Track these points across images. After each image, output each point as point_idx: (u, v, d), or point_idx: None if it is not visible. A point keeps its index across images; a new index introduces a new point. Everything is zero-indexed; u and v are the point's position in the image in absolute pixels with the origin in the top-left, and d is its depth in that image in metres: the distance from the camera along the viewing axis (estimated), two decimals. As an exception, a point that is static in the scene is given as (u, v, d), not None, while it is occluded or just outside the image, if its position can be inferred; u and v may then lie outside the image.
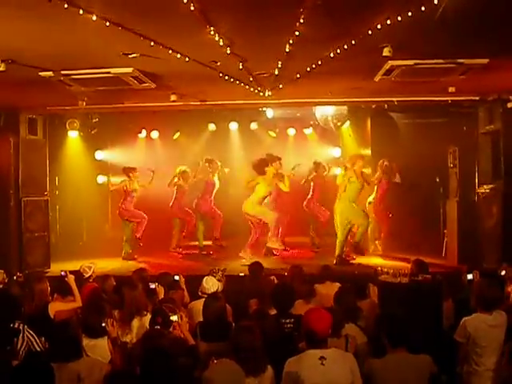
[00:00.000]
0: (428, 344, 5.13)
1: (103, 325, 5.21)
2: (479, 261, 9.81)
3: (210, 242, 12.73)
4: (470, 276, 6.91)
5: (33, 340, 5.23)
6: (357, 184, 10.69)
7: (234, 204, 13.07)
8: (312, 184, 12.85)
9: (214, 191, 12.58)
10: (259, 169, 11.23)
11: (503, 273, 7.26)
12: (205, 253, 12.36)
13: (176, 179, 12.61)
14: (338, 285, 6.84)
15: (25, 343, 5.20)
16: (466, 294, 6.24)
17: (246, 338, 4.57)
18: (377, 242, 12.08)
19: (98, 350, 5.19)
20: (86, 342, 5.13)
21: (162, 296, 6.65)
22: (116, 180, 13.51)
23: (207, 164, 12.46)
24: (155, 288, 6.70)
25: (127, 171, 12.15)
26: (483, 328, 5.30)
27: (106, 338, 5.28)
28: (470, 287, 6.62)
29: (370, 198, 12.03)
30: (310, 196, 12.93)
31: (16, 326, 5.32)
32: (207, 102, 10.35)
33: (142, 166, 12.75)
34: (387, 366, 4.59)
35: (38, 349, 5.20)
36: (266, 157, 11.54)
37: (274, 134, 14.43)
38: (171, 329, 5.26)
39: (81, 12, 5.14)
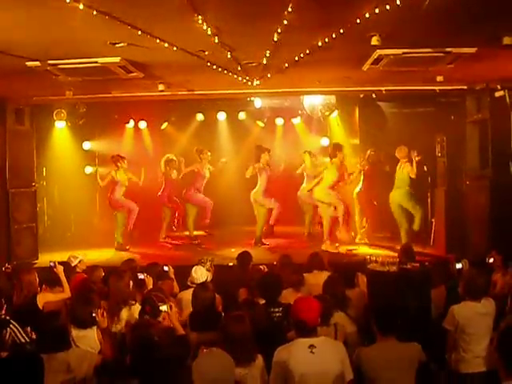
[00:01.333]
0: (417, 332, 5.17)
1: (93, 315, 5.20)
2: (467, 249, 9.88)
3: (201, 232, 12.73)
4: (458, 265, 6.94)
5: (16, 332, 5.20)
6: (333, 171, 11.09)
7: (223, 193, 13.09)
8: (305, 173, 12.67)
9: (204, 181, 12.54)
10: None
11: (491, 260, 7.30)
12: (196, 242, 12.32)
13: (162, 168, 12.58)
14: (326, 273, 6.86)
15: (9, 335, 5.17)
16: (455, 283, 6.27)
17: (236, 328, 4.58)
18: (361, 230, 12.12)
19: (88, 340, 5.18)
20: (75, 332, 5.12)
21: (150, 286, 6.64)
22: (103, 171, 13.49)
23: (197, 154, 12.42)
24: (144, 278, 6.70)
25: (115, 160, 12.09)
26: (471, 316, 5.34)
27: (96, 328, 5.27)
28: (458, 276, 6.66)
29: (357, 188, 12.10)
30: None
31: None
32: (195, 92, 10.33)
33: (132, 158, 12.76)
34: (376, 354, 4.62)
35: (23, 340, 5.17)
36: (256, 148, 11.65)
37: (262, 124, 14.39)
38: (161, 318, 5.26)
39: (68, 1, 5.09)
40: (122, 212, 12.05)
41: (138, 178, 12.24)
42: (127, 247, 11.84)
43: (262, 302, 5.92)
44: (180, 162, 12.66)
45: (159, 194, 12.73)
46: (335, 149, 11.34)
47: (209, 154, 12.52)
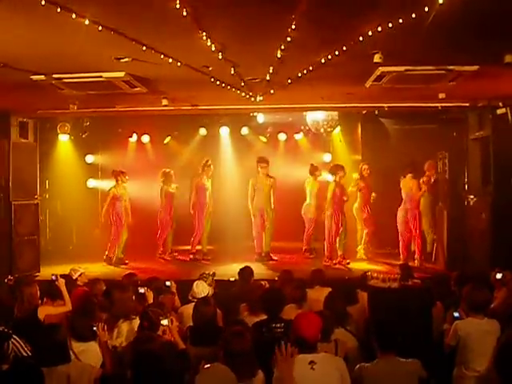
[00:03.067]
0: (418, 348, 5.16)
1: (94, 329, 5.20)
2: (468, 266, 9.87)
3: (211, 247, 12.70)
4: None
5: (18, 345, 5.19)
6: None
7: (224, 208, 13.04)
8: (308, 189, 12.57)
9: (207, 193, 12.44)
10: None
11: (499, 276, 7.21)
12: (203, 258, 12.20)
13: (161, 183, 12.57)
14: (328, 289, 6.86)
15: (10, 348, 5.17)
16: (456, 299, 6.26)
17: (237, 343, 4.57)
18: (360, 246, 12.13)
19: (89, 354, 5.17)
20: (76, 346, 5.11)
21: (151, 301, 6.65)
22: (103, 185, 13.68)
23: (201, 167, 12.33)
24: (144, 293, 6.70)
25: (116, 174, 12.13)
26: (474, 332, 5.34)
27: (97, 341, 5.27)
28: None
29: (356, 204, 12.11)
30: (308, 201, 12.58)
31: (3, 329, 5.29)
32: (199, 107, 10.36)
33: (135, 172, 12.84)
34: (377, 371, 4.61)
35: (25, 354, 5.16)
36: (257, 159, 11.80)
37: (264, 139, 14.45)
38: (160, 332, 5.26)
39: (73, 16, 5.14)
40: (119, 226, 12.03)
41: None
42: (126, 261, 11.80)
43: (264, 317, 5.91)
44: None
45: (159, 210, 12.66)
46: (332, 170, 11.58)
47: (212, 167, 12.42)
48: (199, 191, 12.36)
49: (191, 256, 12.21)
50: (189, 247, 12.53)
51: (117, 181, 12.08)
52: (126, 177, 12.17)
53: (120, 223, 12.03)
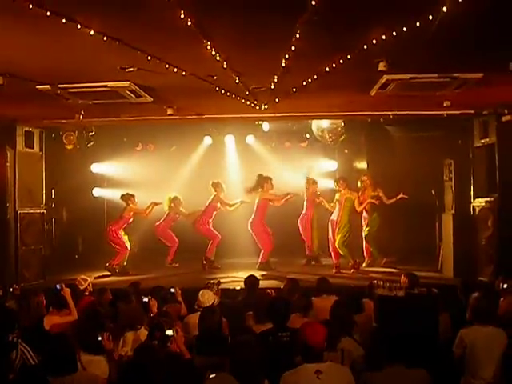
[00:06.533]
0: (424, 358, 5.13)
1: (99, 339, 5.19)
2: (474, 274, 9.85)
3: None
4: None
5: (27, 353, 5.20)
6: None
7: (228, 220, 12.97)
8: (305, 200, 12.63)
9: (214, 213, 12.47)
10: None
11: (505, 286, 7.18)
12: (218, 266, 12.19)
13: (170, 205, 12.63)
14: (334, 298, 6.84)
15: (19, 356, 5.17)
16: (462, 307, 6.24)
17: (243, 352, 4.56)
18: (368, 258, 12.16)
19: (97, 364, 5.15)
20: (83, 356, 5.10)
21: (155, 310, 6.64)
22: (109, 194, 13.81)
23: (213, 187, 12.35)
24: (148, 301, 6.69)
25: (126, 199, 12.19)
26: (481, 340, 5.32)
27: (104, 352, 5.26)
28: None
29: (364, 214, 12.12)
30: (303, 212, 12.67)
31: (10, 339, 5.29)
32: (204, 116, 10.38)
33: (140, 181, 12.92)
34: (383, 380, 4.58)
35: (33, 362, 5.17)
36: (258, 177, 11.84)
37: (270, 148, 14.44)
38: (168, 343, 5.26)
39: (78, 26, 5.17)
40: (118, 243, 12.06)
41: (144, 210, 12.27)
42: (130, 272, 11.76)
43: (270, 326, 5.90)
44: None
45: (157, 223, 12.76)
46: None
47: (224, 186, 12.46)
48: (211, 211, 12.42)
49: (204, 262, 12.13)
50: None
51: (127, 204, 12.15)
52: (135, 199, 12.25)
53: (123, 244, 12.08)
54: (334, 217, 11.90)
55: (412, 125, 11.82)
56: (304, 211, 12.64)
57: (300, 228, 12.63)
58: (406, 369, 4.64)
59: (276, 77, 7.21)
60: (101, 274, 11.39)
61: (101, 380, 4.77)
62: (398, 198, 11.59)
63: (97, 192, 14.32)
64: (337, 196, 11.85)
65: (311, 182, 12.64)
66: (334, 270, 11.31)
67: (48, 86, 7.67)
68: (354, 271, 11.24)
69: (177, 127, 12.63)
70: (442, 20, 5.05)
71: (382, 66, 6.55)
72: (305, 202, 12.66)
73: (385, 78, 7.35)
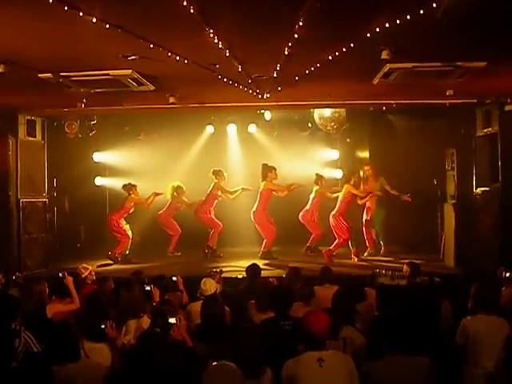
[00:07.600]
0: (426, 346, 5.14)
1: (102, 327, 5.20)
2: (476, 263, 9.85)
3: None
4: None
5: (30, 341, 5.21)
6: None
7: (230, 209, 12.96)
8: (312, 198, 12.49)
9: (216, 202, 12.50)
10: None
11: (507, 275, 7.18)
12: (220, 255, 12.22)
13: (173, 193, 12.67)
14: (337, 287, 6.85)
15: (22, 344, 5.19)
16: (464, 296, 6.24)
17: (245, 341, 4.58)
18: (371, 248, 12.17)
19: (100, 352, 5.16)
20: (87, 344, 5.10)
21: (157, 298, 6.66)
22: (111, 183, 13.87)
23: (214, 175, 12.36)
24: (150, 290, 6.71)
25: (127, 189, 12.21)
26: (483, 330, 5.31)
27: (107, 340, 5.27)
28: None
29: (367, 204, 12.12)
30: (308, 208, 12.50)
31: (13, 326, 5.31)
32: (206, 104, 10.36)
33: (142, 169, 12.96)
34: (385, 369, 4.59)
35: (36, 350, 5.18)
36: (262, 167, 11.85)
37: (272, 137, 14.39)
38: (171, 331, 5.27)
39: (81, 14, 5.15)
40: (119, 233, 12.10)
41: (145, 201, 12.31)
42: (132, 260, 11.81)
43: (272, 314, 5.91)
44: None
45: (159, 212, 12.78)
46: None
47: (225, 174, 12.48)
48: (212, 199, 12.44)
49: (206, 251, 12.17)
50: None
51: (129, 194, 12.17)
52: (137, 188, 12.28)
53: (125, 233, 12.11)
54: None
55: (414, 114, 11.80)
56: (308, 207, 12.47)
57: (304, 224, 12.51)
58: (408, 357, 4.65)
59: (278, 65, 7.18)
60: (103, 262, 11.44)
61: (103, 368, 4.79)
62: (402, 198, 11.64)
63: (99, 181, 14.32)
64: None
65: (323, 184, 12.51)
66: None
67: (50, 75, 7.65)
68: (357, 259, 11.33)
69: (179, 116, 12.61)
70: (446, 8, 5.03)
71: (385, 55, 6.53)
72: (311, 199, 12.49)
73: (388, 66, 7.33)
